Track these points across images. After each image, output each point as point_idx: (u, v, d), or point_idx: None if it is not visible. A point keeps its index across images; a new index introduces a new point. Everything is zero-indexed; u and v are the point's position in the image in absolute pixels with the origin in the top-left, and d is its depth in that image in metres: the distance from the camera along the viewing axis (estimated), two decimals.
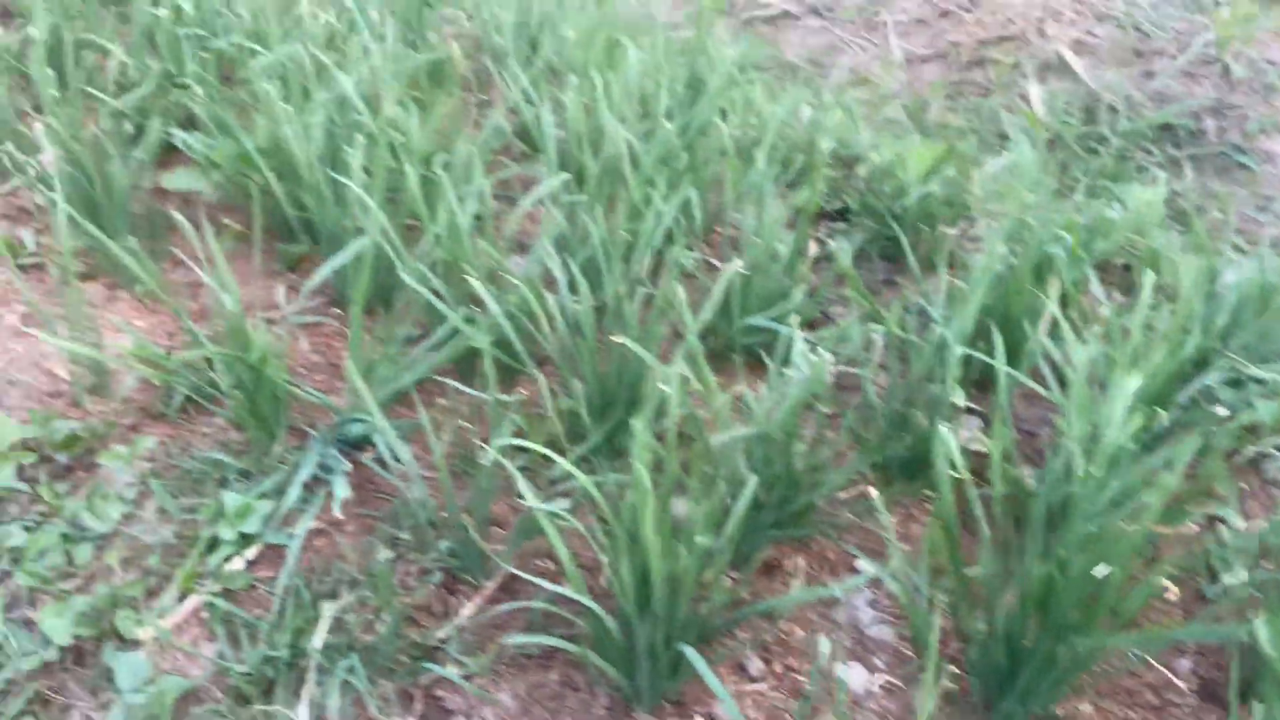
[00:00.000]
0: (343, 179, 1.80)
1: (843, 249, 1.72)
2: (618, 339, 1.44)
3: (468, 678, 1.37)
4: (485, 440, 1.59)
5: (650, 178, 1.87)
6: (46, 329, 1.94)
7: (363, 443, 1.68)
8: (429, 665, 1.36)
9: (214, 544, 1.53)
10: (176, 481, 1.64)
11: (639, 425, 1.19)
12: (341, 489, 1.54)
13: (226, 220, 2.22)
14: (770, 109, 2.46)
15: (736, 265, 1.49)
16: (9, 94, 2.37)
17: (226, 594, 1.49)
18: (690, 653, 1.18)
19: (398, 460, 1.51)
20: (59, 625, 1.46)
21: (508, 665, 1.40)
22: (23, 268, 2.14)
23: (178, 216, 1.82)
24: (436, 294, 1.71)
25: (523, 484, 1.22)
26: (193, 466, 1.67)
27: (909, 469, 1.58)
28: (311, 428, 1.74)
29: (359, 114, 2.13)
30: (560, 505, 1.23)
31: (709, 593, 1.27)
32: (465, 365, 1.78)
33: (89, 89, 2.23)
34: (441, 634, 1.42)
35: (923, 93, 3.23)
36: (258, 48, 2.48)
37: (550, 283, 1.73)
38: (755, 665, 1.41)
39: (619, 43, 2.44)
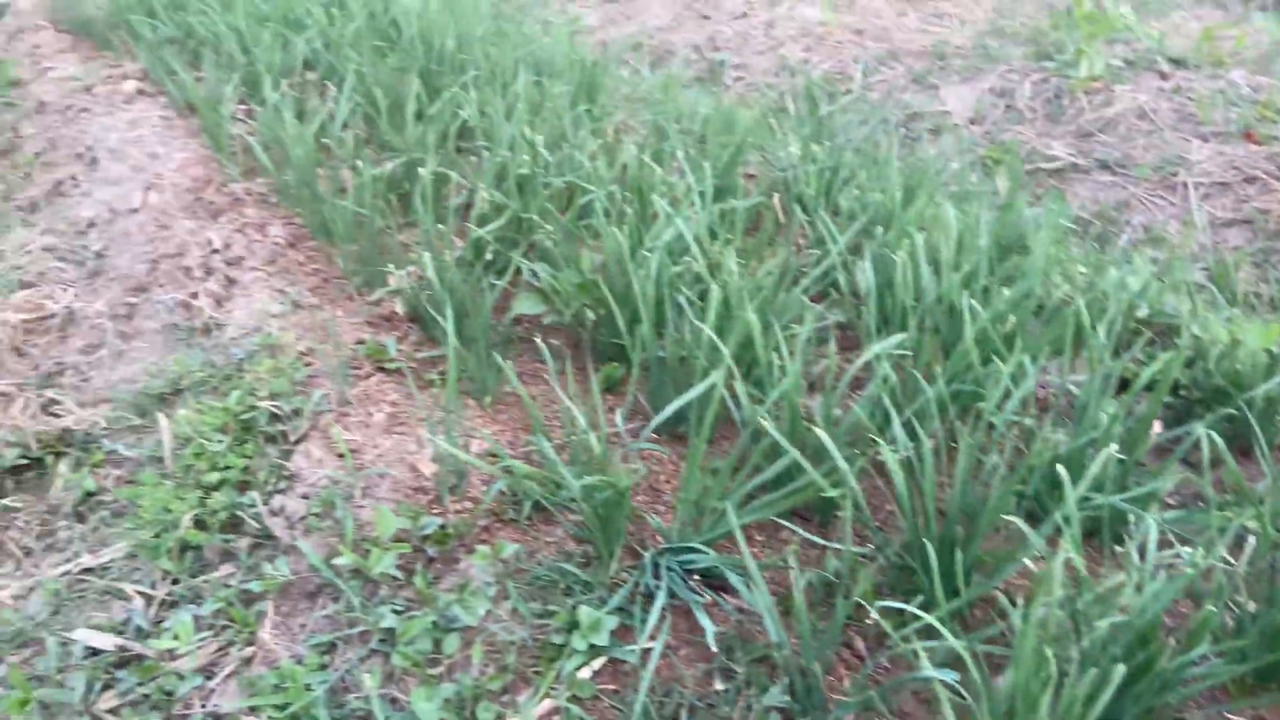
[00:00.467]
0: (698, 324, 1.96)
1: (1206, 436, 1.69)
2: (1007, 525, 1.47)
3: None
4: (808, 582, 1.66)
5: (985, 336, 1.92)
6: (411, 428, 2.20)
7: (696, 570, 1.78)
8: None
9: (566, 651, 1.65)
10: (528, 586, 1.80)
11: (1024, 618, 1.22)
12: (707, 622, 1.62)
13: (553, 340, 2.45)
14: (1083, 271, 2.46)
15: (1112, 449, 1.51)
16: (382, 217, 2.74)
17: (574, 700, 1.60)
18: None
19: (747, 591, 1.59)
20: (428, 708, 1.62)
21: None
22: (385, 371, 2.43)
23: (540, 343, 2.04)
24: (759, 430, 1.81)
25: (923, 657, 1.26)
26: (541, 573, 1.82)
27: (1270, 674, 1.50)
28: (641, 546, 1.87)
29: (690, 257, 2.32)
30: (952, 676, 1.26)
31: None
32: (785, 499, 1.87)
33: (454, 222, 2.55)
34: None
35: (1227, 258, 3.12)
36: (590, 187, 2.75)
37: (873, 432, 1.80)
38: None
39: (934, 200, 2.53)
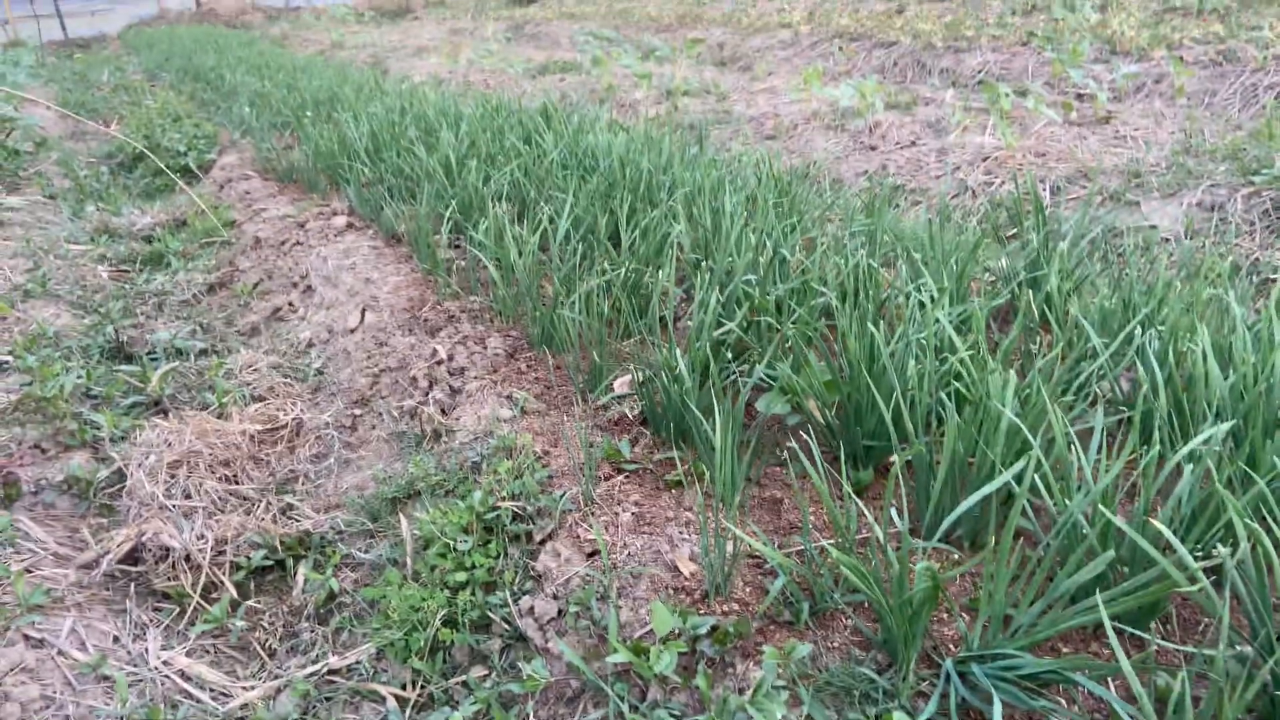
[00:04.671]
0: (995, 405, 1.85)
1: None
2: None
3: None
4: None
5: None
6: (659, 528, 2.13)
7: (1018, 678, 1.61)
8: None
9: None
10: (818, 691, 1.66)
11: None
12: None
13: (791, 444, 2.36)
14: None
15: None
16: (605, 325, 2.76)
17: None
18: None
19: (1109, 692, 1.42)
20: None
21: None
22: (623, 472, 2.38)
23: (794, 445, 1.95)
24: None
25: None
26: (831, 679, 1.68)
27: None
28: (934, 651, 1.71)
29: (946, 354, 2.22)
30: None
31: None
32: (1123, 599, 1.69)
33: (674, 331, 2.53)
34: None
35: None
36: (822, 289, 2.71)
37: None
38: None
39: (1190, 303, 2.39)
